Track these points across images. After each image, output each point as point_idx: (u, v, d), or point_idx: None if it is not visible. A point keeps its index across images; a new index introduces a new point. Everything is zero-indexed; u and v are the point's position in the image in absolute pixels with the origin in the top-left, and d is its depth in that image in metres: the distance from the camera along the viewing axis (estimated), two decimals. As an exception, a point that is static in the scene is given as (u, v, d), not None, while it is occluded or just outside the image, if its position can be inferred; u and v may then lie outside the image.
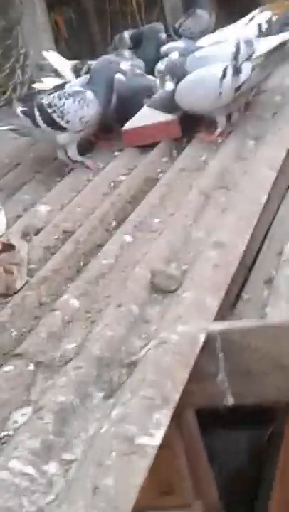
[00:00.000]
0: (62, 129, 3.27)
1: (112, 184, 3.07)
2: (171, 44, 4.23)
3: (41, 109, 3.28)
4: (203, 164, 3.00)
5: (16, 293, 2.32)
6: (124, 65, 3.69)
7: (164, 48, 4.19)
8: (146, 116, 3.42)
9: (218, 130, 3.21)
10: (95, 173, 3.24)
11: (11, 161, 3.70)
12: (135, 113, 3.48)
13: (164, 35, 4.32)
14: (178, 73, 3.27)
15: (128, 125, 3.42)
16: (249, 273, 2.40)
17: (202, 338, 1.81)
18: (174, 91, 3.26)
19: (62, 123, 3.26)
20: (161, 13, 8.49)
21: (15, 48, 5.23)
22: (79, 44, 8.37)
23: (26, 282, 2.37)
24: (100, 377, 1.74)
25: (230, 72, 3.10)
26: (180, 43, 4.27)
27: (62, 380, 1.72)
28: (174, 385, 1.64)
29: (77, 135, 3.30)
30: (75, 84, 3.43)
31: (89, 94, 3.27)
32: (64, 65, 3.92)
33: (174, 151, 3.26)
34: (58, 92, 3.34)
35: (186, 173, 2.95)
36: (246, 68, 3.10)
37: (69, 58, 7.91)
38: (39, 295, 2.24)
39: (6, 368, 1.83)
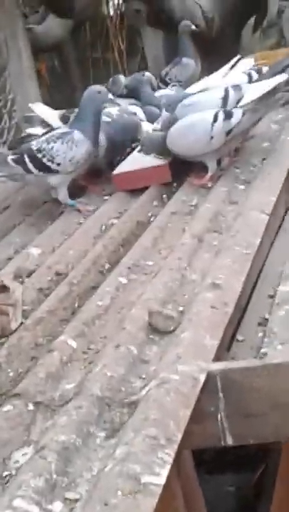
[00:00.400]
0: (54, 172, 3.29)
1: (104, 227, 3.09)
2: (162, 91, 4.29)
3: (31, 155, 3.31)
4: (194, 208, 3.03)
5: (11, 334, 2.31)
6: (114, 110, 3.74)
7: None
8: (136, 161, 3.46)
9: (209, 174, 3.25)
10: (86, 216, 3.26)
11: (0, 204, 3.72)
12: (123, 155, 3.52)
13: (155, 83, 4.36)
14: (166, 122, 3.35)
15: (118, 169, 3.46)
16: (243, 314, 2.42)
17: (202, 378, 1.81)
18: (164, 136, 3.30)
19: (53, 166, 3.29)
20: (143, 61, 8.64)
21: (2, 94, 5.28)
22: (61, 91, 8.48)
23: (21, 324, 2.36)
24: (101, 416, 1.74)
25: (221, 116, 3.15)
26: (168, 91, 4.34)
27: (62, 419, 1.71)
28: (176, 424, 1.64)
29: (69, 176, 3.33)
30: (63, 127, 3.47)
31: (76, 134, 3.30)
32: (52, 115, 3.94)
33: (164, 196, 3.29)
34: (46, 136, 3.38)
35: (177, 217, 2.98)
36: (237, 112, 3.15)
37: (51, 105, 8.00)
38: (35, 336, 2.24)
39: (5, 408, 1.82)
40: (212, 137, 3.17)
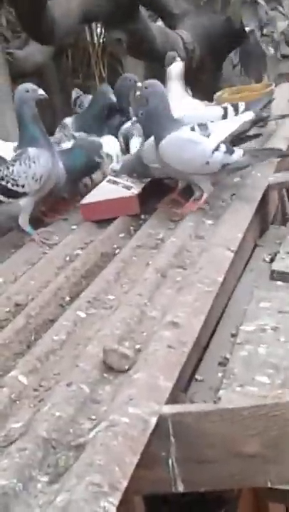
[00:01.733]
0: (23, 195, 3.24)
1: (68, 258, 3.03)
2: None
3: None
4: (160, 242, 2.98)
5: None
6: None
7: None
8: (104, 191, 3.40)
9: (205, 196, 3.20)
10: (50, 246, 3.20)
11: None
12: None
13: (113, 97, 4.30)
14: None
15: (86, 199, 3.40)
16: (203, 353, 2.36)
17: (153, 421, 1.74)
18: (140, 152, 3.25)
19: (20, 189, 3.23)
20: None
21: (-24, 118, 5.24)
22: (41, 116, 8.46)
23: (-27, 356, 2.29)
24: (45, 459, 1.67)
25: (223, 148, 3.14)
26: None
27: (4, 462, 1.64)
28: (122, 471, 1.57)
29: (38, 196, 3.29)
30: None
31: (30, 150, 3.26)
32: (5, 148, 3.85)
33: (132, 228, 3.24)
34: (5, 164, 3.35)
35: (142, 250, 2.93)
36: (238, 151, 3.16)
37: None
38: (-14, 370, 2.17)
39: None
40: (208, 162, 3.12)
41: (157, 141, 3.18)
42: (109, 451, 1.61)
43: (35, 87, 3.33)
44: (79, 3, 6.10)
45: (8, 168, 3.28)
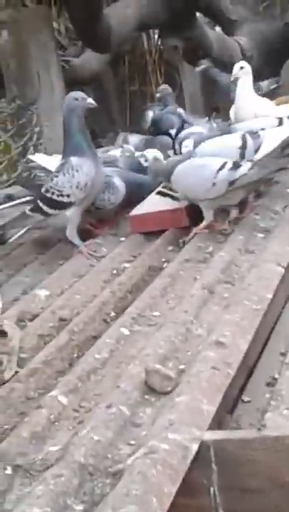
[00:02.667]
0: (69, 205, 3.21)
1: (115, 271, 2.98)
2: (193, 128, 4.18)
3: (43, 198, 3.26)
4: (209, 256, 2.91)
5: (3, 384, 2.20)
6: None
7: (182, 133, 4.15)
8: (153, 203, 3.35)
9: (203, 224, 3.13)
10: (98, 259, 3.15)
11: (14, 241, 3.62)
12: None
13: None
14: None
15: (134, 211, 3.36)
16: (251, 373, 2.28)
17: (194, 448, 1.68)
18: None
19: (65, 199, 3.20)
20: (180, 96, 8.60)
21: (29, 127, 5.23)
22: (98, 123, 8.46)
23: (16, 373, 2.25)
24: (81, 487, 1.61)
25: (228, 166, 3.05)
26: (200, 128, 4.25)
27: (39, 489, 1.58)
28: (159, 501, 1.51)
29: (82, 205, 3.25)
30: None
31: (72, 160, 3.23)
32: (51, 161, 3.83)
33: (181, 241, 3.17)
34: (49, 176, 3.34)
35: (190, 264, 2.86)
36: (245, 165, 3.05)
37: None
38: (27, 388, 2.12)
39: (-18, 471, 1.70)
40: (214, 184, 3.04)
41: None
42: (146, 481, 1.54)
43: (84, 95, 3.30)
44: (135, 10, 6.07)
45: (52, 179, 3.25)
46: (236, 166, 3.05)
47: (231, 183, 3.04)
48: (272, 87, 6.76)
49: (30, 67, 5.60)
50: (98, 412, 1.88)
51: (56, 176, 3.24)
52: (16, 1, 7.11)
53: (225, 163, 3.05)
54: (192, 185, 3.10)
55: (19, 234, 3.41)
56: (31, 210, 3.30)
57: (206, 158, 3.15)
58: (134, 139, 4.36)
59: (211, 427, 1.80)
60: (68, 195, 3.20)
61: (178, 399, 1.85)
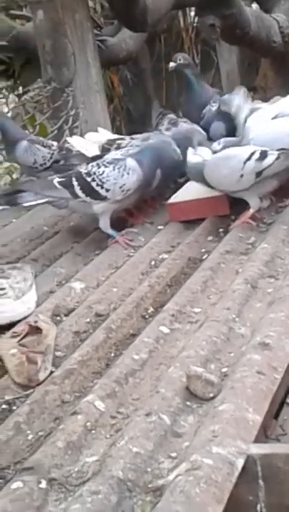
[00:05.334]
0: (102, 198, 3.08)
1: (153, 263, 2.87)
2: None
3: (80, 178, 3.09)
4: (251, 247, 2.78)
5: (38, 385, 2.11)
6: None
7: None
8: (193, 190, 3.22)
9: (250, 212, 2.98)
10: (135, 248, 3.04)
11: (49, 229, 3.52)
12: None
13: None
14: None
15: (173, 199, 3.23)
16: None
17: (240, 463, 1.57)
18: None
19: (102, 192, 3.06)
20: (217, 75, 8.43)
21: (65, 109, 5.11)
22: (134, 102, 8.31)
23: (51, 373, 2.16)
24: (119, 505, 1.51)
25: (255, 156, 2.91)
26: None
27: (75, 507, 1.49)
28: (204, 524, 1.41)
29: (114, 205, 3.11)
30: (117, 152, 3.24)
31: (129, 161, 3.08)
32: (90, 147, 3.69)
33: (221, 230, 3.04)
34: (96, 161, 3.16)
35: (231, 256, 2.73)
36: (271, 155, 2.91)
37: (122, 116, 7.76)
38: (62, 391, 2.03)
39: (14, 485, 1.59)
40: (242, 175, 2.92)
41: None
42: (190, 501, 1.44)
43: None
44: (171, -12, 5.91)
45: (98, 166, 3.10)
46: (263, 155, 2.91)
47: (259, 173, 2.91)
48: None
49: (66, 47, 5.47)
50: (137, 421, 1.77)
51: (106, 166, 3.09)
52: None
53: (252, 154, 2.92)
54: (223, 177, 2.97)
55: (35, 202, 3.22)
56: (61, 183, 3.11)
57: (234, 149, 3.03)
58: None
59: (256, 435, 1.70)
60: (108, 190, 3.07)
61: (221, 407, 1.74)
